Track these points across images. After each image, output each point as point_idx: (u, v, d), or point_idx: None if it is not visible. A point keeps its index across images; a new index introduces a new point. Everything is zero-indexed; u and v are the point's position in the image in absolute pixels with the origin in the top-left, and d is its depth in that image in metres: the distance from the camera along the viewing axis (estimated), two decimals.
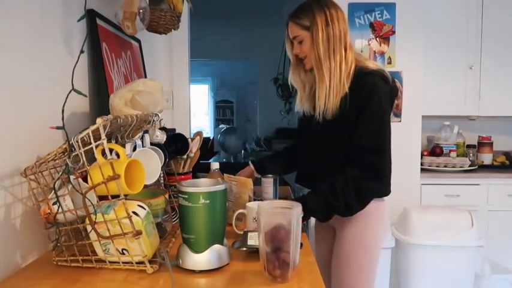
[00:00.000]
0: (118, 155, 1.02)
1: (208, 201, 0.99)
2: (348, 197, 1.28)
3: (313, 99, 1.47)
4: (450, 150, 2.92)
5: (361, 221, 1.40)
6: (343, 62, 1.37)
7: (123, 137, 1.21)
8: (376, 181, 1.32)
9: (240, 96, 7.96)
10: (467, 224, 2.33)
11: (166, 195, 1.27)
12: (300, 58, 1.47)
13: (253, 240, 1.11)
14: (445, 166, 2.86)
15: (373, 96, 1.32)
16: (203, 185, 1.05)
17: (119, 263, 1.02)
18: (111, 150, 1.00)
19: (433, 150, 2.96)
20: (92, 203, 0.99)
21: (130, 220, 0.96)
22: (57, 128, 1.07)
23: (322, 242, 1.64)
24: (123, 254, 1.01)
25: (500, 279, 2.53)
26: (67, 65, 1.26)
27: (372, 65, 1.40)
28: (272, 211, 1.01)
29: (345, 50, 1.38)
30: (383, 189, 1.39)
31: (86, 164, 0.98)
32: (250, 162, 1.71)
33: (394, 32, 2.67)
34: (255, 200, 1.49)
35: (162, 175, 1.45)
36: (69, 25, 1.33)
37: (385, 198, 1.44)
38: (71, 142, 0.98)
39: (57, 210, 1.03)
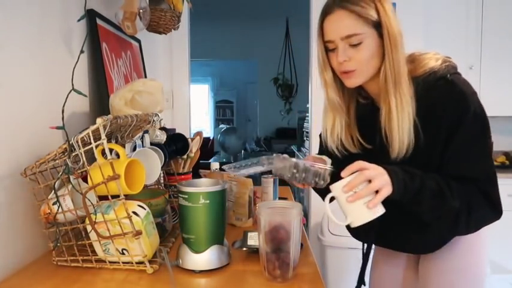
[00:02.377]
0: (118, 155, 1.02)
1: (208, 201, 0.99)
2: (461, 209, 0.96)
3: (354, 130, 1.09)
4: None
5: (464, 245, 1.10)
6: (408, 77, 0.99)
7: (123, 137, 1.21)
8: (491, 212, 1.00)
9: (240, 96, 7.96)
10: None
11: (166, 195, 1.27)
12: (340, 70, 1.01)
13: (253, 240, 1.11)
14: None
15: (466, 109, 0.95)
16: (203, 185, 1.05)
17: (119, 263, 1.02)
18: (111, 150, 1.00)
19: None
20: (92, 203, 0.99)
21: (130, 220, 0.96)
22: (57, 128, 1.07)
23: (388, 273, 1.28)
24: (123, 254, 1.01)
25: (500, 279, 2.53)
26: (67, 65, 1.26)
27: (433, 61, 1.00)
28: (272, 211, 1.01)
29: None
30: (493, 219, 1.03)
31: (86, 164, 0.98)
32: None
33: None
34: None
35: (162, 175, 1.45)
36: (69, 25, 1.33)
37: None
38: (71, 142, 0.98)
39: (57, 210, 1.03)
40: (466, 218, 0.97)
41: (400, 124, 0.97)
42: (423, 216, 1.00)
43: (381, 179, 0.89)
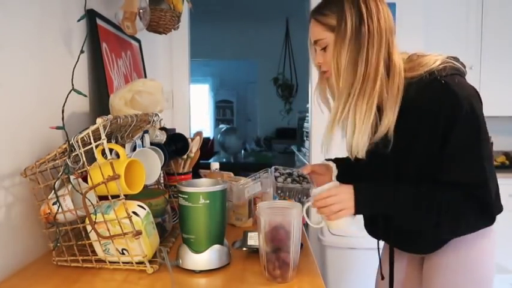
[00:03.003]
0: (118, 155, 1.02)
1: (208, 201, 0.99)
2: (443, 217, 0.98)
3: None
4: None
5: (469, 245, 1.10)
6: (379, 77, 1.00)
7: (123, 137, 1.21)
8: (480, 218, 1.01)
9: (240, 96, 7.96)
10: None
11: (166, 195, 1.27)
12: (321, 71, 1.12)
13: (253, 240, 1.11)
14: None
15: (457, 112, 0.95)
16: (203, 185, 1.05)
17: (119, 263, 1.02)
18: (111, 150, 1.00)
19: None
20: (92, 203, 0.99)
21: (130, 220, 0.96)
22: (57, 128, 1.07)
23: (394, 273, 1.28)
24: (123, 254, 1.01)
25: (500, 279, 2.53)
26: (67, 65, 1.26)
27: (431, 62, 1.01)
28: (272, 211, 1.01)
29: (389, 60, 1.02)
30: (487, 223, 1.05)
31: (86, 164, 0.98)
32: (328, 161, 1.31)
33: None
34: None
35: (162, 175, 1.45)
36: (69, 25, 1.33)
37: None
38: (71, 142, 0.98)
39: (57, 210, 1.03)
40: (450, 226, 1.00)
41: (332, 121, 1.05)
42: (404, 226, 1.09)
43: (340, 206, 1.02)
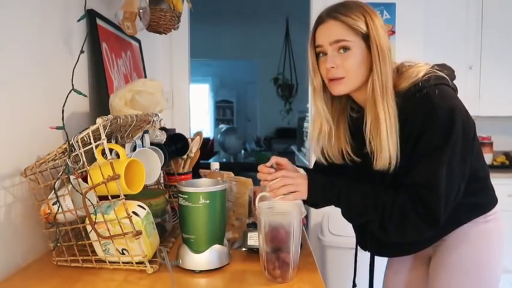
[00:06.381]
0: (118, 155, 1.02)
1: (208, 201, 0.99)
2: (387, 218, 1.01)
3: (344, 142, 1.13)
4: None
5: (475, 245, 1.10)
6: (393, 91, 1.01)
7: (123, 137, 1.21)
8: (422, 222, 1.00)
9: (240, 96, 7.96)
10: None
11: (166, 195, 1.27)
12: (328, 77, 1.04)
13: (253, 240, 1.11)
14: None
15: (431, 121, 0.97)
16: (203, 185, 1.05)
17: (119, 263, 1.02)
18: (111, 150, 1.00)
19: None
20: (92, 203, 0.99)
21: (130, 220, 0.96)
22: (57, 128, 1.07)
23: (398, 272, 1.31)
24: (123, 254, 1.01)
25: (501, 278, 2.53)
26: (67, 65, 1.26)
27: (415, 74, 1.02)
28: (272, 211, 1.01)
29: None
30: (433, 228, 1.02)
31: (86, 164, 0.98)
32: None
33: (394, 32, 2.67)
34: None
35: (162, 175, 1.45)
36: (69, 25, 1.33)
37: (496, 210, 1.15)
38: (71, 142, 0.98)
39: (57, 210, 1.03)
40: (395, 225, 1.01)
41: (389, 133, 1.00)
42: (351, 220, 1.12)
43: (295, 187, 1.05)
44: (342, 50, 1.01)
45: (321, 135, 1.13)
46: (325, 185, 1.07)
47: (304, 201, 1.11)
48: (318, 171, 1.22)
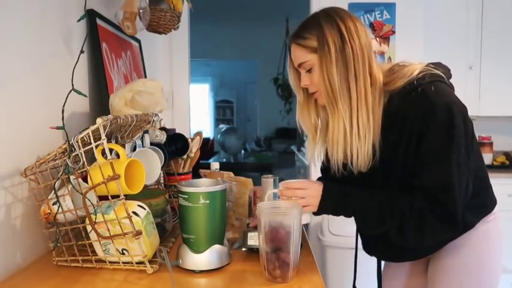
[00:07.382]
0: (118, 155, 1.02)
1: (208, 201, 0.99)
2: (405, 224, 1.01)
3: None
4: None
5: (474, 247, 1.11)
6: (368, 91, 1.03)
7: (123, 137, 1.21)
8: (446, 223, 1.00)
9: (240, 96, 7.96)
10: None
11: (166, 195, 1.27)
12: (309, 92, 1.13)
13: (253, 240, 1.11)
14: None
15: (432, 119, 0.97)
16: (203, 185, 1.05)
17: (119, 263, 1.02)
18: (111, 150, 1.00)
19: None
20: (92, 203, 0.99)
21: (130, 220, 0.96)
22: (57, 128, 1.07)
23: (395, 277, 1.32)
24: (123, 254, 1.01)
25: (501, 279, 2.53)
26: (67, 65, 1.26)
27: (410, 73, 1.03)
28: (272, 211, 1.01)
29: (370, 74, 1.04)
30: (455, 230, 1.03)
31: (86, 164, 0.98)
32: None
33: (394, 32, 2.67)
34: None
35: (162, 175, 1.45)
36: (69, 25, 1.33)
37: (496, 210, 1.16)
38: (71, 142, 0.98)
39: (57, 210, 1.03)
40: (414, 231, 1.01)
41: (332, 138, 1.06)
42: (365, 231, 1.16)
43: (306, 201, 1.08)
44: (307, 70, 1.08)
45: (315, 150, 1.19)
46: (337, 202, 1.08)
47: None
48: (328, 178, 1.22)
